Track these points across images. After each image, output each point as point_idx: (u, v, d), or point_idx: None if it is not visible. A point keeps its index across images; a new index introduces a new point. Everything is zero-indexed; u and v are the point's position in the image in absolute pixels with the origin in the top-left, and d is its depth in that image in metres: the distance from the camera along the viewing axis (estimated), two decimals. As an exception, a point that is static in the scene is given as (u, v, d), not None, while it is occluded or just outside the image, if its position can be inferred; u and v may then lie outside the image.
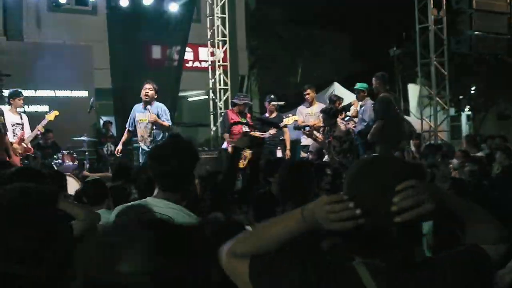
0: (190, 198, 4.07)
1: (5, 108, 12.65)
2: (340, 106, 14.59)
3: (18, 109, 12.91)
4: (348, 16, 27.71)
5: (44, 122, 13.06)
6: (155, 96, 12.45)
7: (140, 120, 12.39)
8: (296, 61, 29.11)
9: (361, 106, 13.84)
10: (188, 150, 4.04)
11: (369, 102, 13.57)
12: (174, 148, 3.98)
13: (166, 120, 12.30)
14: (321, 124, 12.42)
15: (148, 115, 12.28)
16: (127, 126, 12.79)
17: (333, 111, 12.15)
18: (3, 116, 11.59)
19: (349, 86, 20.58)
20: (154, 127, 12.17)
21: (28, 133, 12.75)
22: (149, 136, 12.21)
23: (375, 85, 12.77)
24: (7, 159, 11.21)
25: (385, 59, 27.47)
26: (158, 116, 12.22)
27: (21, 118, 12.81)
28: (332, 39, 29.20)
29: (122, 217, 3.71)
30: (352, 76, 26.22)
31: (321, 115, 12.26)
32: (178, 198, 3.91)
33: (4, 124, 11.35)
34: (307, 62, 28.82)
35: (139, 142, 12.51)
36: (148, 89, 12.31)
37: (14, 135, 12.48)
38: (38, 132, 13.05)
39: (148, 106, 12.22)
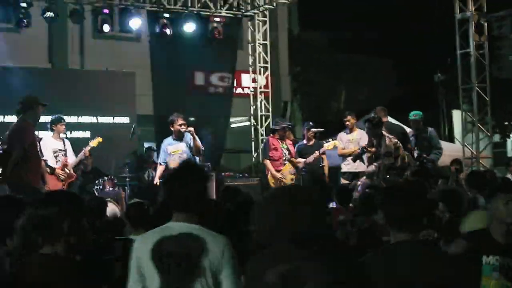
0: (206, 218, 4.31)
1: (48, 135, 12.83)
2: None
3: (61, 135, 12.98)
4: (391, 41, 27.62)
5: (87, 148, 13.10)
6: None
7: (173, 152, 12.53)
8: (339, 87, 29.05)
9: (419, 134, 13.70)
10: (199, 173, 4.32)
11: (430, 129, 13.64)
12: (186, 172, 4.30)
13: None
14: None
15: (180, 146, 12.45)
16: (159, 161, 12.99)
17: (377, 119, 12.09)
18: (39, 143, 11.60)
19: (392, 112, 20.49)
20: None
21: (71, 159, 12.83)
22: None
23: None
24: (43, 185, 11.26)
25: (428, 85, 27.35)
26: (189, 146, 12.43)
27: (64, 144, 12.87)
28: (375, 64, 29.11)
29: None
30: (396, 101, 26.12)
31: (366, 124, 12.21)
32: (195, 218, 4.16)
33: (40, 151, 11.41)
34: (350, 87, 28.75)
35: None
36: (183, 123, 12.64)
37: (57, 161, 12.57)
38: (82, 158, 13.17)
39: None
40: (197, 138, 12.34)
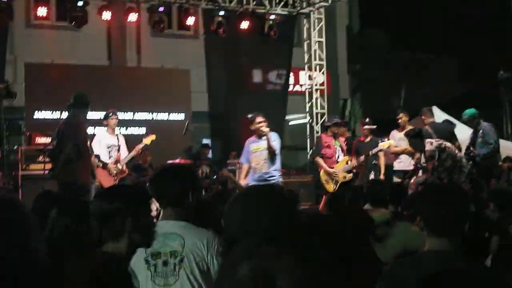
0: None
1: (103, 130, 13.02)
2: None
3: (115, 131, 13.13)
4: (454, 38, 27.24)
5: (140, 145, 13.20)
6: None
7: (254, 149, 12.11)
8: (399, 85, 28.77)
9: (478, 130, 13.51)
10: (184, 172, 4.65)
11: (485, 124, 13.37)
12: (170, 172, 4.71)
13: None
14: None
15: (261, 144, 12.08)
16: (240, 160, 12.56)
17: (412, 132, 11.98)
18: (91, 139, 11.67)
19: (454, 111, 20.17)
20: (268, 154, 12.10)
21: (124, 155, 12.97)
22: (264, 163, 11.99)
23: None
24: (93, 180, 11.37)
25: (491, 82, 26.85)
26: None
27: (118, 140, 13.00)
28: (436, 61, 28.75)
29: None
30: (458, 99, 25.73)
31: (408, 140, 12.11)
32: (183, 214, 4.39)
33: (90, 147, 11.50)
34: (411, 85, 28.44)
35: (254, 172, 12.17)
36: (263, 123, 11.76)
37: (110, 157, 12.72)
38: (134, 154, 13.22)
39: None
40: (271, 138, 12.04)
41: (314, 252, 2.23)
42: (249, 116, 12.35)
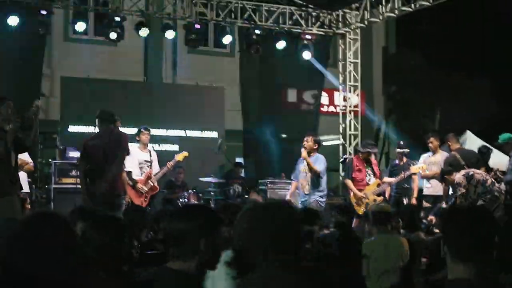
0: None
1: (135, 146, 12.91)
2: None
3: (148, 147, 13.14)
4: (490, 60, 27.00)
5: (173, 162, 13.24)
6: (314, 147, 12.69)
7: (302, 170, 12.63)
8: (435, 107, 28.54)
9: (510, 156, 13.50)
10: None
11: None
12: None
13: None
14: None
15: (304, 165, 12.50)
16: (292, 177, 13.20)
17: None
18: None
19: (487, 134, 19.99)
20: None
21: (156, 171, 12.97)
22: (306, 184, 12.47)
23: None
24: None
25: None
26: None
27: (150, 155, 13.01)
28: (472, 83, 28.50)
29: None
30: (492, 123, 25.48)
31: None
32: None
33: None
34: (446, 107, 28.19)
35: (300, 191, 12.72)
36: (305, 141, 12.62)
37: (141, 173, 12.74)
38: (166, 171, 13.22)
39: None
40: (311, 161, 12.36)
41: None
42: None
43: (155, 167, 13.04)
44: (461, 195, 11.34)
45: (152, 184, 12.78)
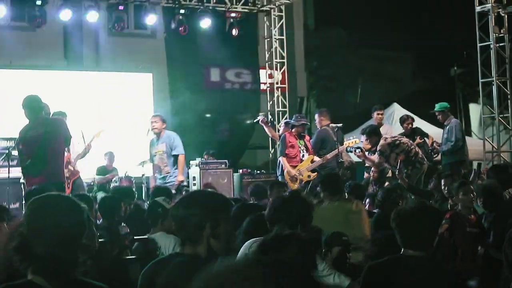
0: None
1: None
2: (409, 126, 14.41)
3: None
4: (409, 35, 27.43)
5: (89, 140, 12.56)
6: (163, 126, 12.84)
7: (155, 152, 12.63)
8: (356, 82, 28.87)
9: (445, 126, 13.78)
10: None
11: (453, 121, 13.55)
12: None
13: (177, 150, 12.71)
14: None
15: (160, 146, 12.63)
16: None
17: (368, 129, 12.01)
18: None
19: (410, 107, 20.32)
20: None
21: (74, 154, 12.41)
22: (165, 166, 12.59)
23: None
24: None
25: (446, 79, 27.17)
26: (170, 146, 12.63)
27: None
28: (392, 58, 28.93)
29: None
30: (414, 95, 25.96)
31: (364, 137, 12.08)
32: None
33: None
34: (367, 82, 28.58)
35: (155, 174, 12.81)
36: (153, 122, 12.74)
37: None
38: (84, 151, 12.48)
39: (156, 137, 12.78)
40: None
41: None
42: None
43: (75, 151, 12.42)
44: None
45: (72, 169, 12.21)
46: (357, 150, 12.19)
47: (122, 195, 8.96)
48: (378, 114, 14.57)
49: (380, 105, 15.12)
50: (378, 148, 11.43)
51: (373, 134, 11.76)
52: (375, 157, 11.67)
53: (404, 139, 11.81)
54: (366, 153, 11.88)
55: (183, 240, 3.77)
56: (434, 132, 15.68)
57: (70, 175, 12.08)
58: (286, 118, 17.77)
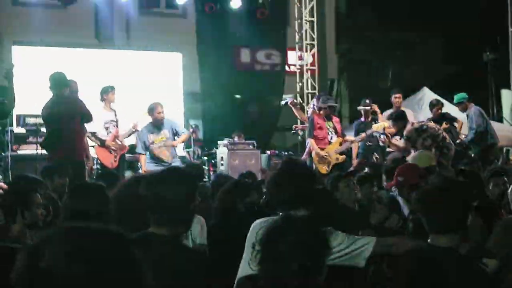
0: None
1: (100, 105, 12.60)
2: (439, 111, 14.30)
3: (111, 105, 12.75)
4: (441, 19, 27.19)
5: (136, 122, 12.84)
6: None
7: (158, 139, 12.62)
8: (387, 65, 28.70)
9: (467, 116, 13.69)
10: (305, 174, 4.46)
11: (473, 109, 13.43)
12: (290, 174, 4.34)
13: (182, 129, 13.17)
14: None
15: (164, 133, 12.61)
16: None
17: (395, 115, 11.95)
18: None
19: (441, 91, 20.16)
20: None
21: (122, 130, 12.72)
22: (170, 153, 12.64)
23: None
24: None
25: (478, 64, 26.88)
26: (176, 132, 12.75)
27: (115, 115, 12.72)
28: (424, 42, 28.69)
29: None
30: (444, 80, 25.73)
31: (391, 123, 12.03)
32: None
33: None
34: (398, 66, 28.39)
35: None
36: (163, 112, 12.64)
37: (108, 133, 12.47)
38: (132, 131, 12.84)
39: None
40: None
41: None
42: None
43: (122, 126, 12.78)
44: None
45: (120, 143, 12.58)
46: (382, 136, 12.15)
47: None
48: (395, 97, 14.42)
49: (398, 88, 14.97)
50: (405, 133, 11.36)
51: (400, 119, 11.70)
52: (401, 142, 11.61)
53: (431, 124, 11.69)
54: (396, 137, 11.85)
55: (160, 223, 3.58)
56: (464, 117, 15.56)
57: (118, 149, 12.48)
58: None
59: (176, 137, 12.72)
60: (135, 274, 1.84)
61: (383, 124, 13.49)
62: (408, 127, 11.41)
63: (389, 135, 12.04)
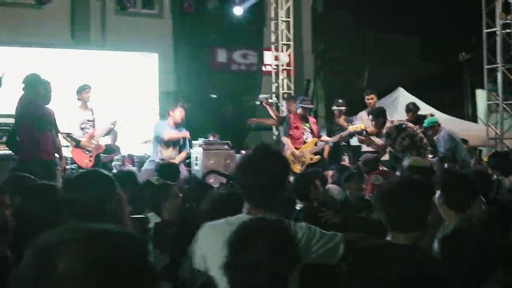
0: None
1: (75, 105, 12.35)
2: (415, 115, 14.33)
3: (88, 105, 12.45)
4: (417, 20, 27.35)
5: (114, 119, 12.71)
6: None
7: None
8: (363, 66, 28.80)
9: (437, 139, 13.72)
10: (281, 159, 3.81)
11: (442, 133, 13.46)
12: (265, 158, 3.70)
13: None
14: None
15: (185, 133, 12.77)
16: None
17: (376, 111, 12.04)
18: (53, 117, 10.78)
19: (417, 91, 20.29)
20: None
21: (100, 130, 12.45)
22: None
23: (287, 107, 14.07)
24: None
25: (454, 64, 27.05)
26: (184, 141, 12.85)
27: (92, 114, 12.42)
28: (400, 42, 28.84)
29: None
30: (421, 80, 25.89)
31: (370, 117, 12.10)
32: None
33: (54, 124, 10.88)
34: (374, 66, 28.50)
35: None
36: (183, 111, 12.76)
37: (84, 133, 12.17)
38: (109, 128, 12.68)
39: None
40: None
41: None
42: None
43: (99, 126, 12.51)
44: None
45: (96, 143, 12.26)
46: (363, 133, 12.20)
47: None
48: (368, 99, 14.40)
49: (372, 89, 14.94)
50: (385, 130, 11.45)
51: (381, 115, 11.78)
52: (379, 140, 11.69)
53: (410, 124, 11.79)
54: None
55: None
56: (440, 118, 15.64)
57: (93, 149, 12.15)
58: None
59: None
60: (150, 278, 1.82)
61: (360, 126, 13.57)
62: (388, 124, 11.51)
63: (369, 132, 12.11)
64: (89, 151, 12.11)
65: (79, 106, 12.39)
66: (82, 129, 12.24)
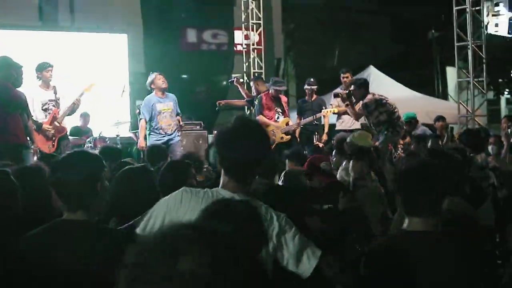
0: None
1: (35, 85, 11.65)
2: None
3: (50, 83, 11.75)
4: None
5: (79, 96, 11.97)
6: None
7: (163, 110, 12.37)
8: (333, 44, 28.78)
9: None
10: (261, 133, 3.62)
11: (420, 128, 13.51)
12: (245, 132, 3.50)
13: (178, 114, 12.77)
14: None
15: (169, 104, 12.44)
16: (146, 118, 12.46)
17: (362, 80, 12.04)
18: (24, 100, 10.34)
19: (388, 69, 20.33)
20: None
21: (64, 109, 11.77)
22: (174, 124, 12.50)
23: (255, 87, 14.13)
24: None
25: (423, 42, 27.16)
26: (176, 106, 12.66)
27: (55, 93, 11.71)
28: (370, 21, 28.83)
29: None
30: (390, 59, 25.93)
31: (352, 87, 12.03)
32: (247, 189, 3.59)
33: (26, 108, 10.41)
34: (344, 45, 28.49)
35: (158, 131, 12.38)
36: (164, 80, 12.53)
37: (46, 115, 11.60)
38: (73, 106, 11.88)
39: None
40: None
41: None
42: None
43: (63, 106, 11.80)
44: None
45: (58, 125, 11.61)
46: (345, 95, 12.08)
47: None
48: (343, 77, 14.36)
49: (347, 68, 14.86)
50: (365, 100, 11.42)
51: (363, 87, 11.73)
52: (356, 108, 11.71)
53: (390, 101, 11.73)
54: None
55: (74, 209, 3.59)
56: (410, 95, 15.72)
57: (56, 131, 11.57)
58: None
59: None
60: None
61: (332, 109, 13.57)
62: (369, 96, 11.49)
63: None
64: (52, 135, 11.53)
65: (39, 85, 11.72)
66: (45, 110, 11.65)
